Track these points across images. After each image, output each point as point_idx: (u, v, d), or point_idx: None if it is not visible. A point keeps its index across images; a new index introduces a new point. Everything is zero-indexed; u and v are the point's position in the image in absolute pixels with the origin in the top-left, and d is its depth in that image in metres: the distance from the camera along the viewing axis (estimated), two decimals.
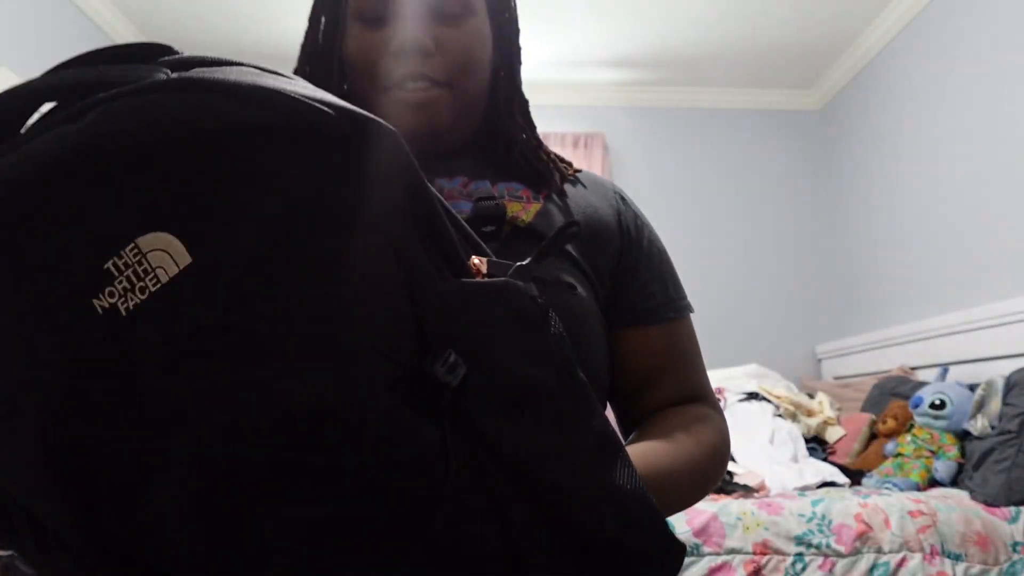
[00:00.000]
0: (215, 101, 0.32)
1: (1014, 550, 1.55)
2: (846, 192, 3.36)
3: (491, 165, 0.70)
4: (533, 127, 0.75)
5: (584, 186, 0.73)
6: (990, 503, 1.64)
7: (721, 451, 0.66)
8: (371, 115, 0.34)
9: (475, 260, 0.38)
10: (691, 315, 0.74)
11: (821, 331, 3.43)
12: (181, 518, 0.31)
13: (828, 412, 2.47)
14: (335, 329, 0.32)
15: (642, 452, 0.56)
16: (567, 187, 0.71)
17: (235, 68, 0.34)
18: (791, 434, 2.24)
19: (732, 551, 1.49)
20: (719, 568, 1.47)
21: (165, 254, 0.31)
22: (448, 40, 0.64)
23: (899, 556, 1.50)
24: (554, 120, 3.57)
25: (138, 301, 0.31)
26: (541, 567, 0.35)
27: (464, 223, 0.39)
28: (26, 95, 0.34)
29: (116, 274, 0.31)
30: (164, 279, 0.31)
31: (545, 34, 3.15)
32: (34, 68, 2.53)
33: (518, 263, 0.41)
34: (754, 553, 1.50)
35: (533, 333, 0.37)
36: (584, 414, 0.38)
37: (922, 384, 2.25)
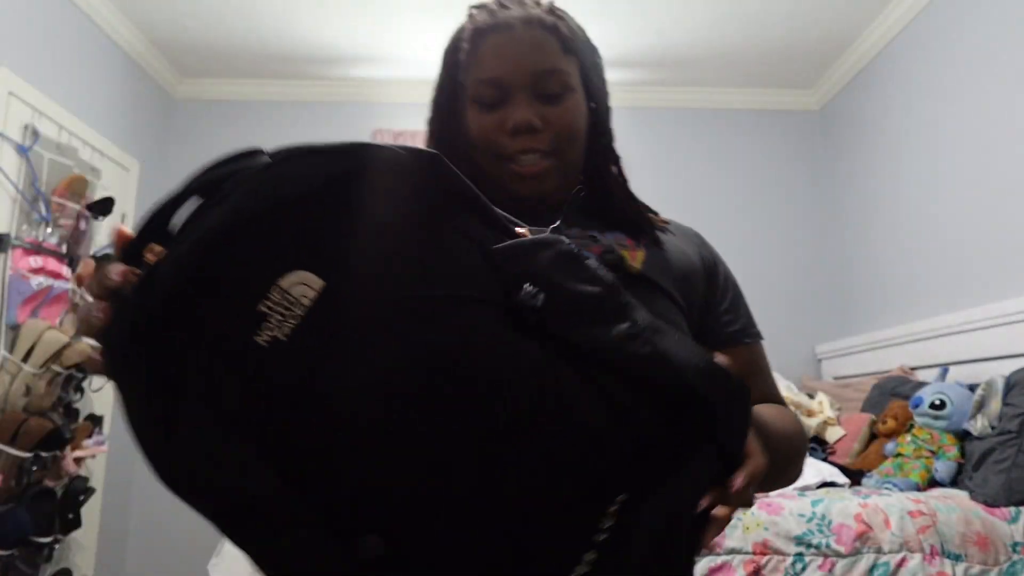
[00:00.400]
0: (310, 161, 0.44)
1: (1014, 550, 1.55)
2: (846, 192, 3.36)
3: (594, 215, 0.82)
4: (626, 180, 0.86)
5: (673, 233, 0.86)
6: (990, 503, 1.64)
7: (803, 435, 0.79)
8: (426, 149, 0.47)
9: (520, 229, 0.51)
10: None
11: (821, 331, 3.43)
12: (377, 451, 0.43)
13: (828, 412, 2.47)
14: (448, 291, 0.45)
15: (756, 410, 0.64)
16: (659, 234, 0.83)
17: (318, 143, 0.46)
18: None
19: (732, 551, 1.49)
20: (719, 568, 1.47)
21: (304, 285, 0.42)
22: (552, 117, 0.77)
23: (899, 556, 1.50)
24: None
25: (292, 326, 0.41)
26: (652, 430, 0.47)
27: (506, 215, 0.51)
28: (178, 195, 0.45)
29: (269, 312, 0.41)
30: (307, 303, 0.42)
31: None
32: (34, 68, 2.53)
33: (551, 227, 0.71)
34: (754, 553, 1.50)
35: (575, 263, 0.49)
36: (629, 309, 0.49)
37: (922, 384, 2.25)
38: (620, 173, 0.86)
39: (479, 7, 0.82)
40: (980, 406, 1.87)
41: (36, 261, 2.38)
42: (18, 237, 2.35)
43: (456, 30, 0.83)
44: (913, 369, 2.58)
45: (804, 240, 3.54)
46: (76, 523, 2.45)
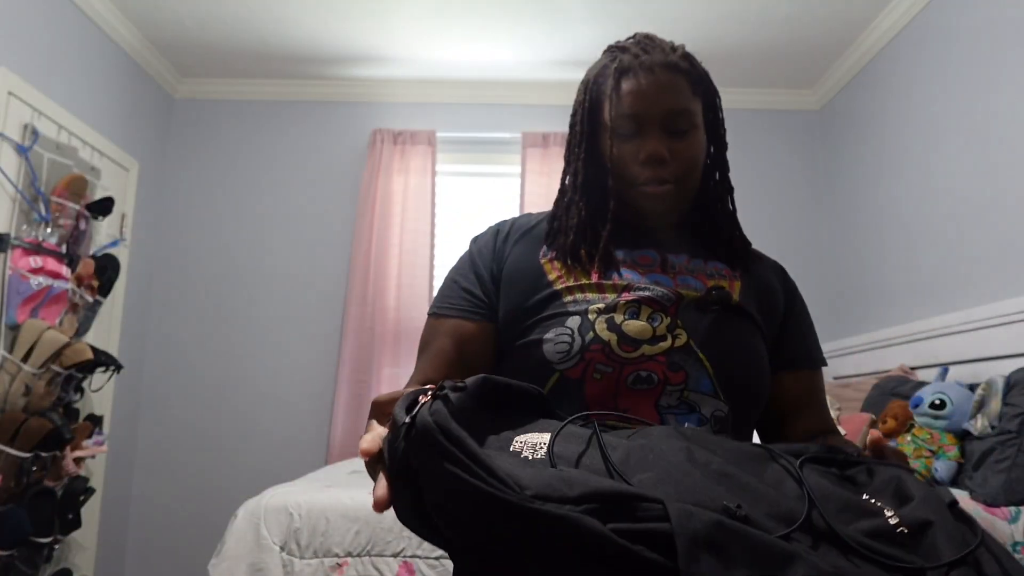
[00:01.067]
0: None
1: (1014, 550, 1.55)
2: (846, 192, 3.36)
3: (701, 243, 0.96)
4: (734, 211, 1.00)
5: (763, 262, 0.99)
6: (990, 503, 1.64)
7: None
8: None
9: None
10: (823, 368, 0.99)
11: (821, 331, 3.41)
12: None
13: None
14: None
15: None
16: (752, 265, 0.96)
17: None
18: None
19: None
20: None
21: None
22: (678, 151, 0.89)
23: None
24: (555, 120, 3.57)
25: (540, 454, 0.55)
26: None
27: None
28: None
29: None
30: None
31: (545, 34, 3.15)
32: (34, 68, 2.53)
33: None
34: None
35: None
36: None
37: (922, 384, 2.25)
38: (731, 205, 0.99)
39: (622, 49, 0.94)
40: (980, 406, 1.86)
41: (36, 261, 2.37)
42: (17, 237, 2.35)
43: (599, 67, 0.95)
44: (913, 369, 2.58)
45: (804, 240, 3.54)
46: (76, 523, 2.45)
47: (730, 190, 0.98)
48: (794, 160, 3.61)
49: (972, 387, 1.99)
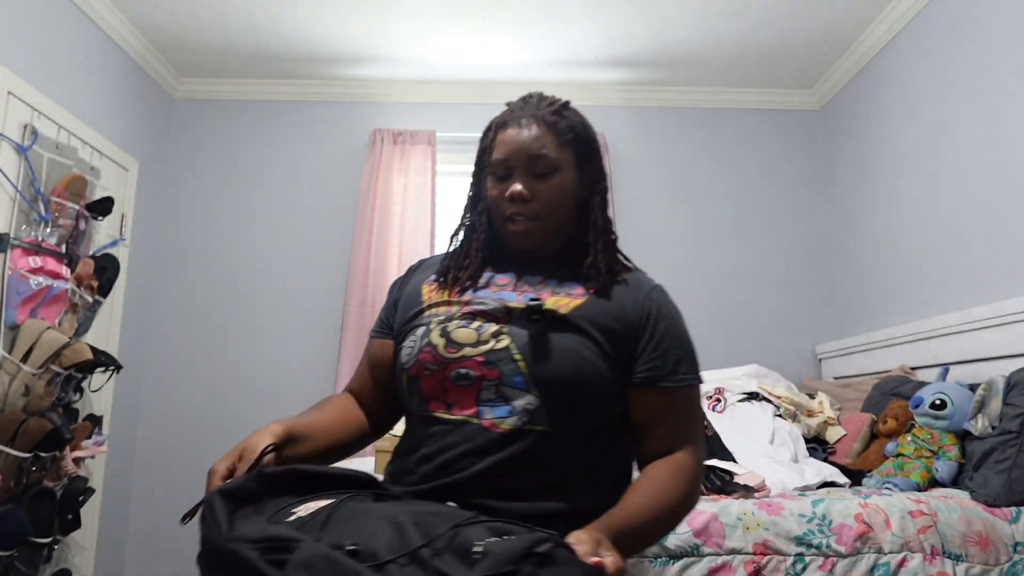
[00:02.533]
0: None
1: (1015, 550, 1.55)
2: (846, 192, 3.36)
3: (568, 268, 1.10)
4: (610, 245, 1.12)
5: (627, 285, 1.09)
6: (991, 503, 1.64)
7: (688, 491, 1.00)
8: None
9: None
10: (698, 386, 1.07)
11: (821, 331, 3.43)
12: None
13: (828, 412, 2.47)
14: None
15: (628, 515, 0.92)
16: (615, 288, 1.07)
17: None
18: (791, 434, 2.24)
19: (732, 551, 1.49)
20: (719, 568, 1.47)
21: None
22: (540, 190, 1.07)
23: (900, 556, 1.50)
24: None
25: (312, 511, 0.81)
26: None
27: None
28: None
29: None
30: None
31: (545, 34, 3.14)
32: (33, 68, 2.53)
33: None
34: (754, 553, 1.49)
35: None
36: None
37: (922, 384, 2.25)
38: (603, 239, 1.11)
39: (508, 105, 1.15)
40: (981, 406, 1.86)
41: (35, 261, 2.37)
42: (17, 237, 2.35)
43: (491, 121, 1.15)
44: (914, 369, 2.58)
45: (804, 239, 3.53)
46: (75, 524, 2.45)
47: (602, 227, 1.12)
48: (794, 160, 3.61)
49: (972, 387, 1.99)
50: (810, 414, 2.46)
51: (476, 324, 1.02)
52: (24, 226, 2.40)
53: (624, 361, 1.02)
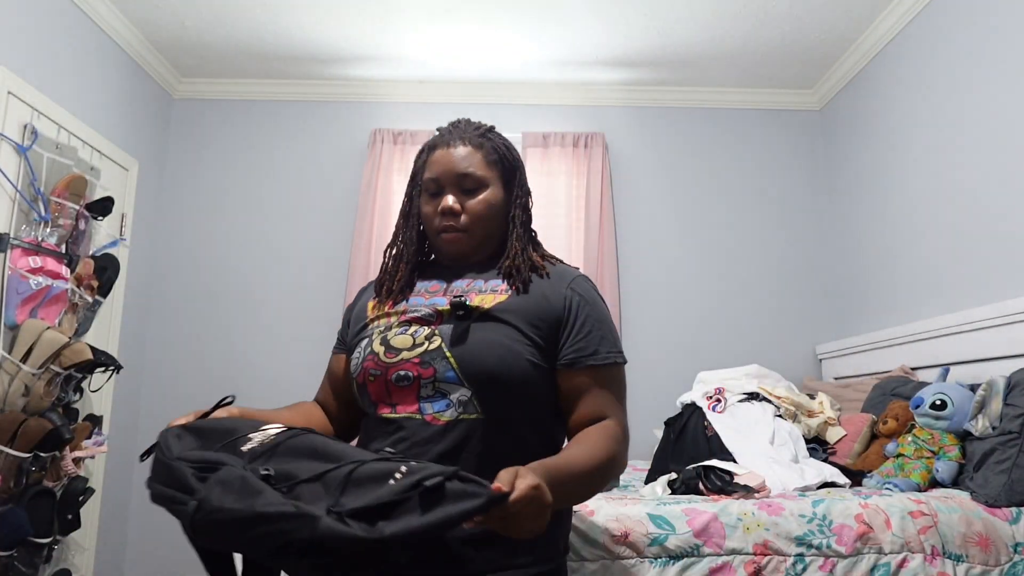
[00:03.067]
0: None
1: (1015, 551, 1.55)
2: (846, 192, 3.36)
3: (494, 270, 1.20)
4: (532, 248, 1.23)
5: (549, 279, 1.18)
6: (991, 504, 1.64)
7: (616, 451, 1.06)
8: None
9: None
10: (621, 364, 1.15)
11: (821, 331, 3.43)
12: None
13: (829, 412, 2.47)
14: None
15: (558, 459, 0.97)
16: (536, 282, 1.16)
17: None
18: (792, 434, 2.24)
19: (732, 551, 1.49)
20: (719, 568, 1.47)
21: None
22: (469, 205, 1.18)
23: (900, 557, 1.50)
24: (554, 120, 3.57)
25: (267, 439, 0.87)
26: None
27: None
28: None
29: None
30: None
31: (545, 34, 3.14)
32: (34, 68, 2.53)
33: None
34: (754, 554, 1.49)
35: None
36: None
37: (923, 384, 2.25)
38: (521, 244, 1.20)
39: (439, 130, 1.26)
40: (981, 406, 1.86)
41: (35, 261, 2.37)
42: (17, 237, 2.35)
43: (424, 144, 1.26)
44: (914, 369, 2.58)
45: (805, 240, 3.53)
46: (75, 524, 2.45)
47: (525, 233, 1.23)
48: (794, 160, 3.61)
49: (973, 387, 1.99)
50: (810, 414, 2.46)
51: (412, 329, 1.12)
52: (24, 226, 2.40)
53: (550, 347, 1.11)
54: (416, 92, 3.61)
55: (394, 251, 1.26)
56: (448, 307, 1.11)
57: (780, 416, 2.38)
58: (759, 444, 2.16)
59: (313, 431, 0.89)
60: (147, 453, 0.90)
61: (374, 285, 1.28)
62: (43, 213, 2.45)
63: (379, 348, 1.11)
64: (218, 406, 1.03)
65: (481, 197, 1.18)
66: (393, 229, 1.32)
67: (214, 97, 3.64)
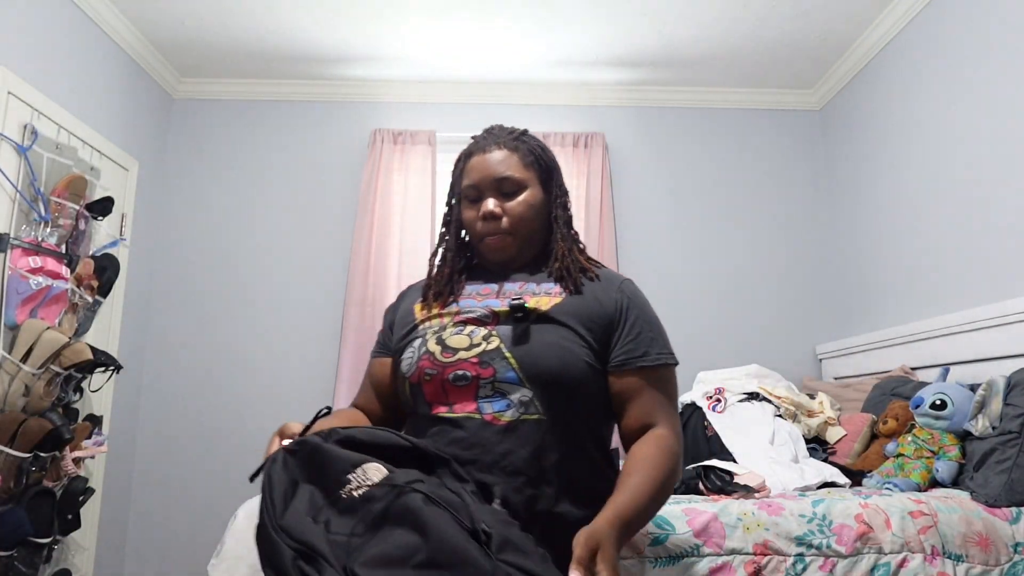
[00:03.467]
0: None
1: (1015, 551, 1.55)
2: (846, 192, 3.36)
3: (543, 273, 1.23)
4: (575, 250, 1.25)
5: (599, 281, 1.21)
6: (991, 504, 1.64)
7: (673, 467, 1.07)
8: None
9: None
10: (673, 366, 1.17)
11: (821, 331, 3.43)
12: None
13: (829, 412, 2.47)
14: None
15: (627, 499, 0.98)
16: (587, 284, 1.19)
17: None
18: (792, 434, 2.24)
19: (732, 551, 1.49)
20: (719, 568, 1.47)
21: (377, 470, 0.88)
22: (509, 208, 1.21)
23: (900, 557, 1.50)
24: (554, 120, 3.57)
25: (366, 488, 0.85)
26: None
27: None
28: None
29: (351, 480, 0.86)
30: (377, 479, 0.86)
31: (545, 34, 3.14)
32: (33, 68, 2.53)
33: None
34: (754, 554, 1.49)
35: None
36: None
37: (923, 384, 2.25)
38: (567, 244, 1.24)
39: (474, 137, 1.29)
40: (981, 406, 1.86)
41: (35, 261, 2.37)
42: (17, 237, 2.35)
43: (460, 152, 1.29)
44: (914, 369, 2.58)
45: (805, 240, 3.53)
46: (75, 524, 2.45)
47: (572, 236, 1.27)
48: (794, 160, 3.61)
49: (973, 387, 1.99)
50: (810, 414, 2.46)
51: (468, 330, 1.13)
52: (24, 226, 2.40)
53: (602, 349, 1.14)
54: (416, 92, 3.61)
55: (439, 259, 1.29)
56: (505, 309, 1.13)
57: (780, 416, 2.38)
58: (759, 444, 2.16)
59: (416, 488, 0.86)
60: (256, 474, 0.92)
61: (420, 289, 1.30)
62: (43, 213, 2.45)
63: (435, 347, 1.12)
64: (316, 419, 1.04)
65: (521, 199, 1.21)
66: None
67: (214, 97, 3.64)
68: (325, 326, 3.41)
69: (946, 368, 2.21)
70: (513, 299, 1.13)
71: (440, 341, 1.13)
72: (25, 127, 2.44)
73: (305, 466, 0.89)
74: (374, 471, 0.87)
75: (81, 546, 2.76)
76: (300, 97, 3.63)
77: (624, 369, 1.13)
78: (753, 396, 2.48)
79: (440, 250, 1.30)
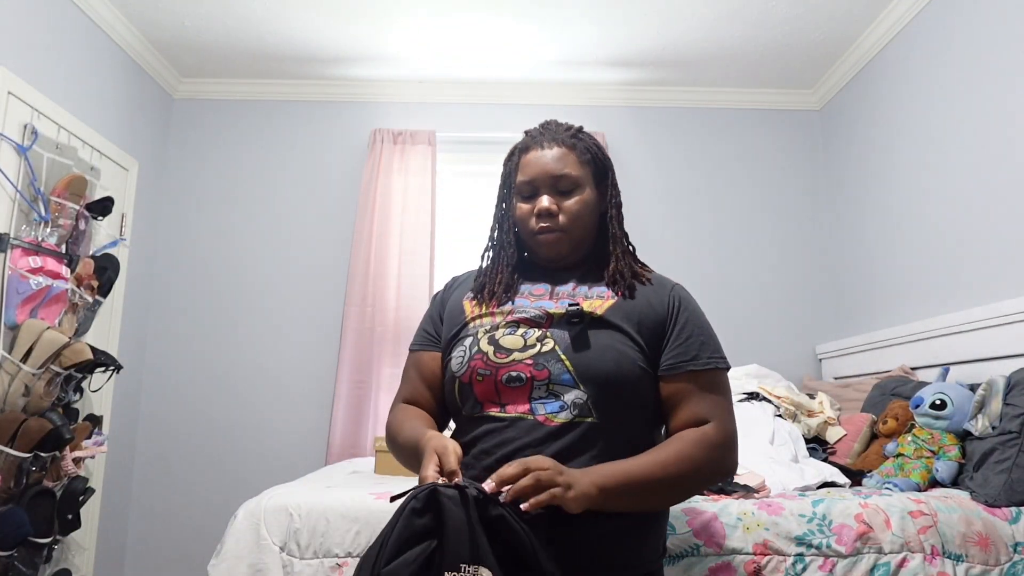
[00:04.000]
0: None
1: (1015, 551, 1.55)
2: (846, 192, 3.36)
3: (594, 274, 1.23)
4: (628, 252, 1.25)
5: (651, 285, 1.21)
6: (991, 503, 1.64)
7: (708, 458, 1.08)
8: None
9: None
10: (724, 370, 1.16)
11: (821, 331, 3.43)
12: None
13: (828, 412, 2.47)
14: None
15: (616, 464, 1.04)
16: (639, 288, 1.20)
17: None
18: (791, 434, 2.24)
19: (732, 551, 1.49)
20: (719, 568, 1.47)
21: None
22: (565, 206, 1.20)
23: (900, 556, 1.50)
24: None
25: None
26: None
27: None
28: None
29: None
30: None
31: (545, 34, 3.14)
32: (33, 68, 2.53)
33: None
34: (754, 553, 1.49)
35: None
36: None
37: (923, 384, 2.25)
38: (621, 247, 1.24)
39: (528, 132, 1.28)
40: (981, 406, 1.86)
41: (35, 261, 2.37)
42: (17, 237, 2.35)
43: (513, 147, 1.29)
44: (914, 369, 2.58)
45: (804, 240, 3.53)
46: (75, 524, 2.45)
47: (623, 237, 1.26)
48: (794, 160, 3.61)
49: (973, 387, 1.99)
50: (810, 414, 2.46)
51: (521, 331, 1.13)
52: (24, 226, 2.40)
53: (654, 352, 1.14)
54: (416, 92, 3.61)
55: (491, 254, 1.28)
56: (560, 311, 1.13)
57: (780, 416, 2.38)
58: (759, 444, 2.16)
59: None
60: (396, 498, 0.92)
61: (469, 282, 1.29)
62: (43, 213, 2.45)
63: (488, 348, 1.12)
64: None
65: (577, 198, 1.20)
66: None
67: (214, 97, 3.64)
68: (325, 326, 3.41)
69: (946, 368, 2.21)
70: (570, 303, 1.13)
71: (493, 341, 1.13)
72: (25, 127, 2.44)
73: (434, 522, 0.87)
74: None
75: (81, 546, 2.76)
76: (300, 97, 3.63)
77: (674, 373, 1.13)
78: (753, 396, 2.48)
79: (492, 245, 1.28)
